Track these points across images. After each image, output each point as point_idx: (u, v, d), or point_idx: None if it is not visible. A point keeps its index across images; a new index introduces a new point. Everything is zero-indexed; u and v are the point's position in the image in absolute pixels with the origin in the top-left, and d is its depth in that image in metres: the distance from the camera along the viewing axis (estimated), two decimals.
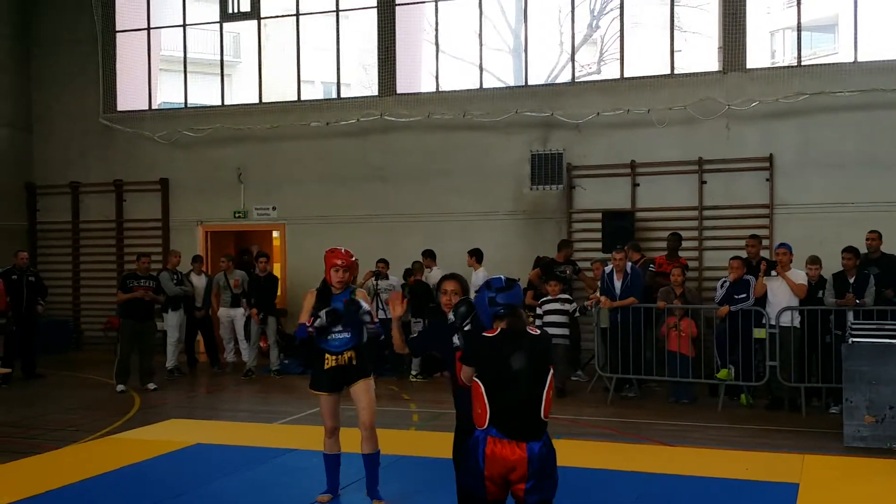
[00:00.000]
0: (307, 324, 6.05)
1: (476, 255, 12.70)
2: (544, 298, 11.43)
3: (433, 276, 12.80)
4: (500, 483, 4.25)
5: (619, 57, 14.03)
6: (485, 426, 4.22)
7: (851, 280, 9.81)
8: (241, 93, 20.53)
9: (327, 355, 6.14)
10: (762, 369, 10.01)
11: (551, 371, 4.32)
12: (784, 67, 14.39)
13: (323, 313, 5.98)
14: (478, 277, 12.40)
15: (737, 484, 6.56)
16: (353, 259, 6.31)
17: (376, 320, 6.41)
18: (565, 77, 17.05)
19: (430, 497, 6.46)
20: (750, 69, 13.01)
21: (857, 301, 9.65)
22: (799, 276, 10.07)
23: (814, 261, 10.24)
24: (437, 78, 14.87)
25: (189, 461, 7.82)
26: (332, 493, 6.42)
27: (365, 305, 6.11)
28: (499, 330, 4.34)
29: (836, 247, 10.25)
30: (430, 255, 13.07)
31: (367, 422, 6.23)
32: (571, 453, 7.84)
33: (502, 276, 4.58)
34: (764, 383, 10.07)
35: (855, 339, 8.51)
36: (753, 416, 9.69)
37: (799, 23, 13.63)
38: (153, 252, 15.55)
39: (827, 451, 7.92)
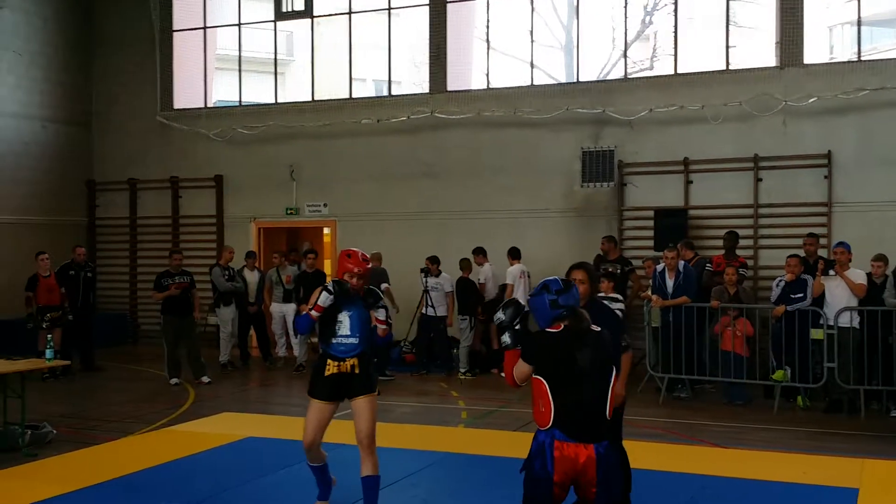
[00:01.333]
0: (308, 312, 5.61)
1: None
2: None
3: (484, 271, 12.80)
4: (566, 488, 4.19)
5: (672, 53, 13.83)
6: (548, 425, 4.17)
7: None
8: (294, 91, 20.70)
9: (329, 361, 5.68)
10: (819, 371, 9.80)
11: (615, 369, 4.29)
12: (843, 63, 14.02)
13: (322, 291, 5.56)
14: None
15: (794, 488, 6.43)
16: (369, 266, 5.88)
17: (388, 322, 5.87)
18: (617, 73, 16.89)
19: (480, 494, 6.44)
20: (808, 64, 12.73)
21: None
22: (858, 275, 9.83)
23: (879, 258, 9.97)
24: (487, 75, 14.83)
25: (241, 454, 7.92)
26: (324, 499, 6.18)
27: (383, 300, 5.81)
28: (562, 327, 4.29)
29: None
30: (480, 251, 13.03)
31: (367, 439, 5.73)
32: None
33: (558, 278, 4.50)
34: (821, 385, 9.86)
35: None
36: (810, 419, 9.49)
37: (859, 17, 13.28)
38: (207, 248, 15.90)
39: (888, 455, 7.72)
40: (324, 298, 5.54)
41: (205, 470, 7.38)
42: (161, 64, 16.57)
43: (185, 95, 16.67)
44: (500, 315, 4.49)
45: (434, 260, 12.90)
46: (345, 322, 5.63)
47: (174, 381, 11.86)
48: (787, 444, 8.22)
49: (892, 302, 9.53)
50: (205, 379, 11.99)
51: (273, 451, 7.94)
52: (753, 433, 8.72)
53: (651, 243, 12.75)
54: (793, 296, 10.01)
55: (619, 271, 11.80)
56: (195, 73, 16.65)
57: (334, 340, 5.64)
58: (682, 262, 10.82)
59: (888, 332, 9.55)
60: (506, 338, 4.42)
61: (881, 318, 9.57)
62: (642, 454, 7.73)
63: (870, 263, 9.97)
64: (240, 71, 16.55)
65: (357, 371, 5.65)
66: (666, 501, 6.37)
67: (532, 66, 14.67)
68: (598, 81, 15.61)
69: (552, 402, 4.15)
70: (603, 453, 4.16)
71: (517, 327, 4.44)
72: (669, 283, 10.67)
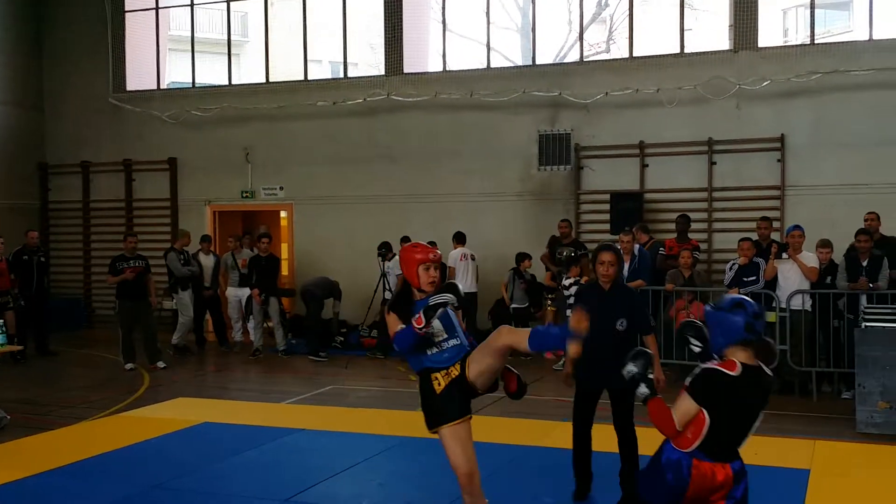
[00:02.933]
0: (411, 325, 4.59)
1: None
2: (564, 282, 11.46)
3: (452, 256, 12.80)
4: (697, 502, 4.07)
5: (628, 36, 13.89)
6: (689, 449, 4.01)
7: (864, 263, 9.70)
8: (249, 72, 20.50)
9: (434, 375, 4.72)
10: None
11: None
12: (797, 46, 14.19)
13: (439, 296, 4.60)
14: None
15: (747, 469, 6.51)
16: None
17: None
18: (574, 56, 16.90)
19: (438, 478, 6.44)
20: (762, 48, 12.86)
21: (871, 285, 9.55)
22: (810, 258, 9.97)
23: (825, 244, 10.12)
24: (444, 57, 14.77)
25: (197, 439, 7.87)
26: None
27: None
28: (739, 368, 3.95)
29: (849, 229, 10.16)
30: (456, 236, 13.01)
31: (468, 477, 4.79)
32: (568, 437, 7.82)
33: (753, 301, 4.11)
34: (774, 367, 9.98)
35: (868, 324, 8.43)
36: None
37: (812, 0, 13.45)
38: (161, 231, 15.69)
39: (839, 437, 7.85)
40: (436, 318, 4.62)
41: (160, 455, 7.32)
42: (113, 45, 16.25)
43: (138, 77, 16.38)
44: (631, 368, 4.22)
45: (388, 245, 12.89)
46: (436, 325, 4.70)
47: (129, 366, 11.71)
48: (818, 431, 8.27)
49: (844, 285, 9.69)
50: (160, 364, 11.85)
51: (229, 436, 7.89)
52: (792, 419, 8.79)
53: (607, 227, 12.83)
54: (746, 279, 10.12)
55: (573, 254, 11.88)
56: (148, 55, 16.37)
57: (430, 352, 4.74)
58: (637, 246, 10.90)
59: (838, 315, 9.71)
60: (643, 389, 4.16)
61: (832, 301, 9.73)
62: (598, 437, 7.80)
63: (815, 249, 10.11)
64: (193, 52, 16.30)
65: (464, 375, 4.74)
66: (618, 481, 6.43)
67: (489, 48, 14.64)
68: (554, 64, 15.66)
69: (703, 434, 3.97)
70: (738, 469, 4.07)
71: (650, 375, 4.22)
72: (625, 266, 10.73)
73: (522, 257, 12.71)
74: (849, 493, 6.25)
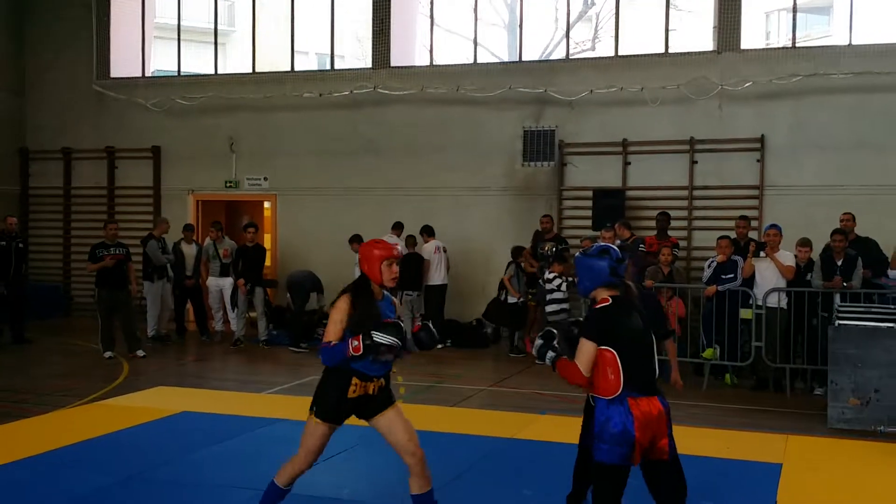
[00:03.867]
0: (347, 345, 4.52)
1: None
2: (547, 276, 11.54)
3: (427, 249, 12.89)
4: (646, 447, 4.35)
5: (613, 34, 13.98)
6: (618, 391, 4.31)
7: (839, 262, 9.84)
8: (235, 62, 20.45)
9: (355, 379, 4.71)
10: (748, 350, 10.07)
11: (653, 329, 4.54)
12: (778, 48, 14.37)
13: (385, 336, 4.52)
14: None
15: (720, 462, 6.62)
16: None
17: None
18: (560, 53, 17.00)
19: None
20: (744, 49, 12.99)
21: (845, 283, 9.70)
22: (787, 257, 10.11)
23: (804, 243, 10.27)
24: (431, 51, 14.81)
25: (175, 429, 7.86)
26: None
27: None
28: (610, 300, 4.44)
29: (826, 229, 10.29)
30: (427, 230, 13.10)
31: (419, 451, 4.93)
32: (557, 429, 7.92)
33: (617, 248, 4.66)
34: (749, 364, 10.14)
35: (841, 322, 8.57)
36: (737, 396, 9.76)
37: (795, 4, 13.59)
38: (143, 220, 15.63)
39: (811, 432, 8.00)
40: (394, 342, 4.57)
41: (139, 444, 7.31)
42: (97, 31, 16.16)
43: (123, 64, 16.31)
44: (538, 342, 4.62)
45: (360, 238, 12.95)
46: (397, 321, 4.71)
47: (108, 354, 11.68)
48: (715, 421, 8.45)
49: (819, 284, 9.83)
50: (139, 353, 11.84)
51: (208, 426, 7.90)
52: (683, 409, 8.90)
53: (589, 223, 12.93)
54: (724, 276, 10.25)
55: (553, 249, 11.97)
56: (133, 42, 16.29)
57: (371, 358, 4.66)
58: (618, 242, 10.99)
59: (813, 314, 9.86)
60: (550, 354, 4.52)
61: (807, 300, 9.87)
62: (577, 429, 7.89)
63: (795, 248, 10.25)
64: (179, 40, 16.25)
65: (379, 391, 4.86)
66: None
67: (475, 43, 14.69)
68: (540, 61, 15.73)
69: (621, 368, 4.30)
70: (667, 405, 4.43)
71: (556, 343, 4.56)
72: None
73: (520, 250, 12.70)
74: (820, 487, 6.37)
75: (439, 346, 12.94)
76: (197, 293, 13.72)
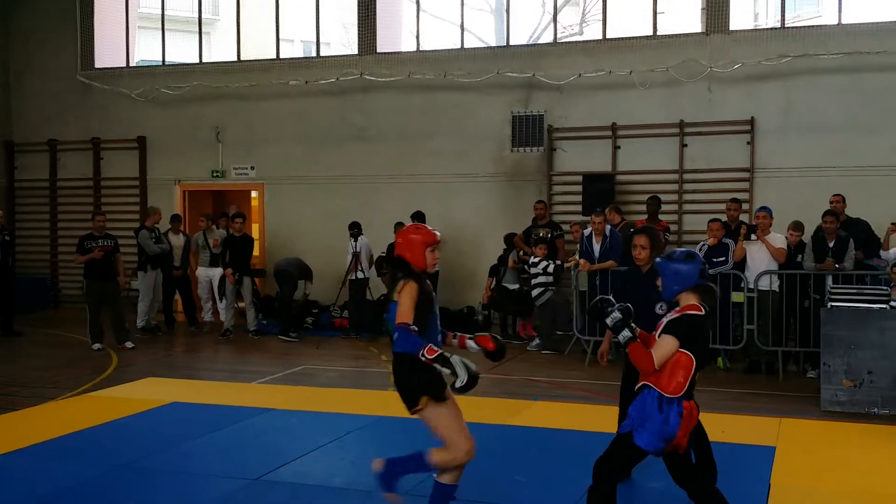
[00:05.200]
0: (422, 347, 4.40)
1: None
2: (532, 260, 11.50)
3: None
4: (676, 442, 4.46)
5: (601, 17, 13.90)
6: (679, 394, 4.41)
7: (831, 244, 9.82)
8: (220, 51, 20.26)
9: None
10: (740, 333, 10.05)
11: None
12: (767, 29, 14.26)
13: (463, 369, 4.37)
14: None
15: (713, 446, 6.58)
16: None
17: None
18: (547, 38, 16.91)
19: None
20: (733, 31, 12.91)
21: (837, 265, 9.68)
22: (778, 239, 10.08)
23: (796, 226, 10.23)
24: (417, 37, 14.69)
25: (165, 419, 7.82)
26: None
27: None
28: (703, 309, 4.51)
29: (817, 211, 10.28)
30: (415, 216, 12.97)
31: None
32: (549, 415, 7.89)
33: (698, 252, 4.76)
34: (741, 347, 10.12)
35: (834, 304, 8.54)
36: (730, 380, 9.73)
37: None
38: (130, 211, 15.53)
39: (804, 415, 7.98)
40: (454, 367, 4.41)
41: (129, 435, 7.27)
42: (81, 22, 16.01)
43: (107, 54, 16.15)
44: (616, 315, 4.61)
45: (358, 225, 12.86)
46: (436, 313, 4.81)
47: (97, 346, 11.60)
48: (708, 404, 8.35)
49: (810, 266, 9.81)
50: (128, 344, 11.76)
51: (198, 416, 7.85)
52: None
53: (579, 208, 12.87)
54: (715, 260, 10.19)
55: (549, 235, 11.92)
56: (117, 32, 16.14)
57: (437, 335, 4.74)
58: (608, 227, 10.95)
59: (805, 296, 9.84)
60: (627, 333, 4.53)
61: (799, 282, 9.84)
62: (569, 415, 7.88)
63: (786, 230, 10.23)
64: (163, 29, 16.11)
65: None
66: (591, 460, 6.48)
67: (462, 28, 14.58)
68: (528, 46, 15.62)
69: (692, 374, 4.41)
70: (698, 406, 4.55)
71: (633, 324, 4.61)
72: (596, 247, 10.79)
73: (514, 236, 12.64)
74: (813, 469, 6.35)
75: None
76: (185, 284, 13.63)
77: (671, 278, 4.60)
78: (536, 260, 11.44)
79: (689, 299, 4.53)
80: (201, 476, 6.14)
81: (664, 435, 4.41)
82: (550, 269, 11.35)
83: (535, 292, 11.41)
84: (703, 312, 4.50)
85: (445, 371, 4.38)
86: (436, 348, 4.42)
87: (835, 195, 10.51)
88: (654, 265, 4.84)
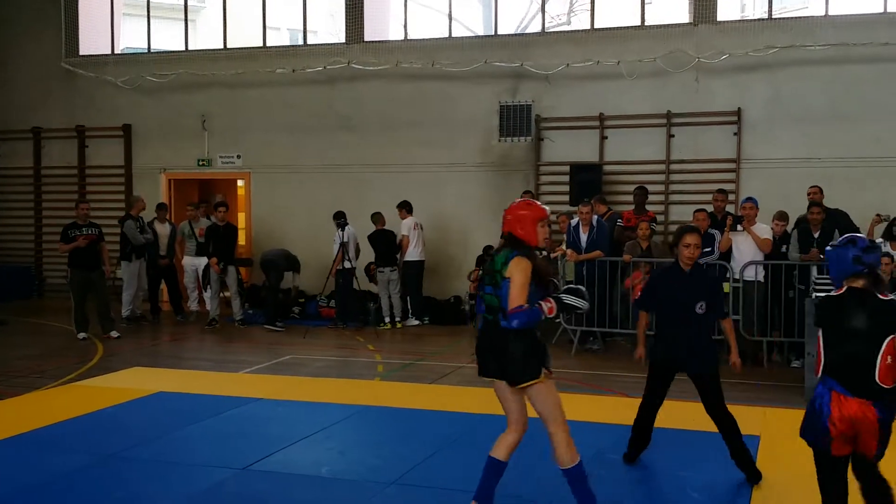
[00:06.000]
0: (541, 308, 4.63)
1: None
2: None
3: (406, 224, 12.78)
4: (848, 439, 4.29)
5: (589, 7, 13.88)
6: (819, 374, 4.34)
7: (816, 235, 9.87)
8: (206, 38, 20.12)
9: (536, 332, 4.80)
10: None
11: (890, 338, 4.22)
12: (754, 20, 14.29)
13: (578, 298, 4.80)
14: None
15: (699, 435, 6.62)
16: None
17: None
18: (535, 27, 16.88)
19: (396, 446, 6.48)
20: (720, 21, 12.93)
21: (822, 256, 9.72)
22: (764, 230, 10.13)
23: (781, 217, 10.29)
24: (405, 26, 14.65)
25: (152, 409, 7.79)
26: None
27: None
28: (846, 289, 4.35)
29: (802, 201, 10.33)
30: (404, 205, 12.95)
31: (566, 423, 4.89)
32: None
33: (864, 236, 4.55)
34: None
35: (819, 294, 8.58)
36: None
37: None
38: (115, 199, 15.45)
39: (788, 404, 8.02)
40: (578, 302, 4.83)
41: (115, 424, 7.25)
42: (66, 8, 15.88)
43: (92, 41, 16.03)
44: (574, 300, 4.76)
45: (344, 215, 12.83)
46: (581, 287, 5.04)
47: (82, 335, 11.55)
48: (693, 394, 8.39)
49: (796, 256, 9.86)
50: (114, 334, 11.71)
51: (185, 406, 7.83)
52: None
53: (567, 198, 12.89)
54: (701, 250, 10.22)
55: None
56: (102, 19, 16.02)
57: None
58: (595, 217, 10.97)
59: (790, 286, 9.90)
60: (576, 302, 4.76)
61: (784, 272, 9.90)
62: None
63: (771, 221, 10.27)
64: (148, 16, 16.00)
65: None
66: (578, 449, 6.51)
67: (450, 17, 14.54)
68: (516, 35, 15.58)
69: (822, 354, 4.32)
70: (884, 414, 4.23)
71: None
72: (583, 237, 10.81)
73: None
74: (797, 458, 6.36)
75: (426, 320, 12.94)
76: (171, 273, 13.58)
77: (832, 264, 4.48)
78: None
79: (850, 284, 4.37)
80: (188, 466, 6.13)
81: (814, 429, 4.33)
82: (550, 256, 11.34)
83: None
84: (839, 293, 4.36)
85: (575, 309, 4.79)
86: (549, 304, 4.65)
87: (812, 187, 10.56)
88: (825, 254, 4.70)
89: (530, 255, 4.68)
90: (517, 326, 4.59)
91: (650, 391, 5.99)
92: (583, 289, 4.90)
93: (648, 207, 12.07)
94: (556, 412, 4.75)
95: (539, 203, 4.87)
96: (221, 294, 13.00)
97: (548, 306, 4.63)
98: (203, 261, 13.11)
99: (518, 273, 4.59)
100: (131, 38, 17.84)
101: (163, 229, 13.44)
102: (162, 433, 6.92)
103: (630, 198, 12.28)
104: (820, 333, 4.38)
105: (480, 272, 12.85)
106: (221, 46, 15.57)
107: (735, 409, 7.61)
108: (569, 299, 4.72)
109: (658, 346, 5.92)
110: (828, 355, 4.31)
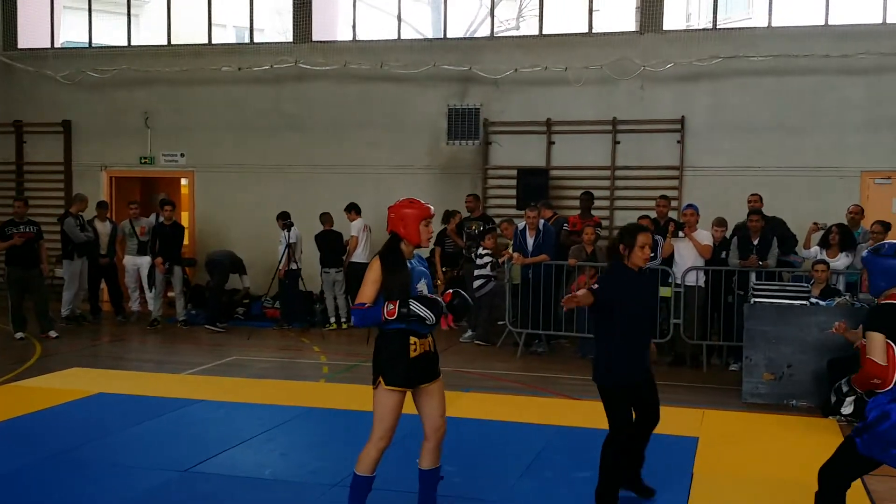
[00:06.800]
0: (380, 309, 4.56)
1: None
2: (479, 252, 11.56)
3: (356, 226, 12.72)
4: None
5: (538, 13, 14.00)
6: (891, 385, 4.10)
7: (755, 242, 10.09)
8: (150, 34, 19.79)
9: (412, 338, 4.64)
10: (666, 327, 10.26)
11: None
12: (699, 30, 14.56)
13: (423, 308, 4.54)
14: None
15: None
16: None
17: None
18: (484, 31, 16.93)
19: (340, 447, 6.45)
20: (666, 30, 13.15)
21: (760, 262, 9.95)
22: (705, 236, 10.31)
23: (720, 223, 10.50)
24: (354, 27, 14.60)
25: (92, 410, 7.67)
26: None
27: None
28: None
29: (742, 208, 10.55)
30: (353, 207, 12.88)
31: (444, 427, 4.89)
32: (480, 406, 7.95)
33: None
34: (667, 340, 10.33)
35: (757, 300, 8.79)
36: (656, 372, 9.83)
37: None
38: (54, 197, 15.11)
39: (726, 406, 8.20)
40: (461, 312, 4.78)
41: (54, 426, 7.11)
42: (3, 0, 15.49)
43: (31, 34, 15.67)
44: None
45: (288, 215, 12.74)
46: (425, 291, 4.74)
47: (19, 335, 11.28)
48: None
49: (736, 262, 10.07)
50: (52, 333, 11.46)
51: (126, 407, 7.71)
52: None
53: (514, 202, 12.97)
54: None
55: (480, 229, 11.98)
56: (41, 11, 15.68)
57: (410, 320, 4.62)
58: (542, 221, 11.06)
59: (729, 292, 10.10)
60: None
61: (724, 278, 10.10)
62: (498, 406, 7.95)
63: (711, 227, 10.47)
64: (90, 10, 15.70)
65: (435, 349, 4.83)
66: (521, 450, 6.57)
67: (399, 19, 14.54)
68: (465, 39, 15.68)
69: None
70: None
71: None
72: (530, 241, 10.89)
73: (453, 213, 12.62)
74: (735, 459, 6.54)
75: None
76: (112, 272, 13.33)
77: (878, 274, 4.31)
78: (483, 252, 11.50)
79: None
80: (130, 468, 6.04)
81: (882, 439, 4.12)
82: (489, 267, 11.39)
83: (476, 283, 11.46)
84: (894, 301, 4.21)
85: (420, 315, 4.52)
86: (392, 306, 4.52)
87: (752, 194, 10.79)
88: (862, 260, 4.52)
89: (393, 257, 4.66)
90: (355, 323, 4.71)
91: (626, 421, 5.25)
92: (440, 300, 4.67)
93: (594, 212, 12.21)
94: (376, 425, 4.69)
95: (423, 202, 4.81)
96: (165, 294, 12.81)
97: (388, 309, 4.54)
98: (144, 260, 12.90)
99: (368, 271, 4.64)
100: (72, 31, 17.49)
101: (103, 228, 13.19)
102: (102, 435, 6.81)
103: (576, 203, 12.40)
104: (887, 342, 4.13)
105: None
106: (165, 43, 15.35)
107: (675, 411, 7.77)
108: (414, 305, 4.52)
109: (618, 365, 5.19)
110: None
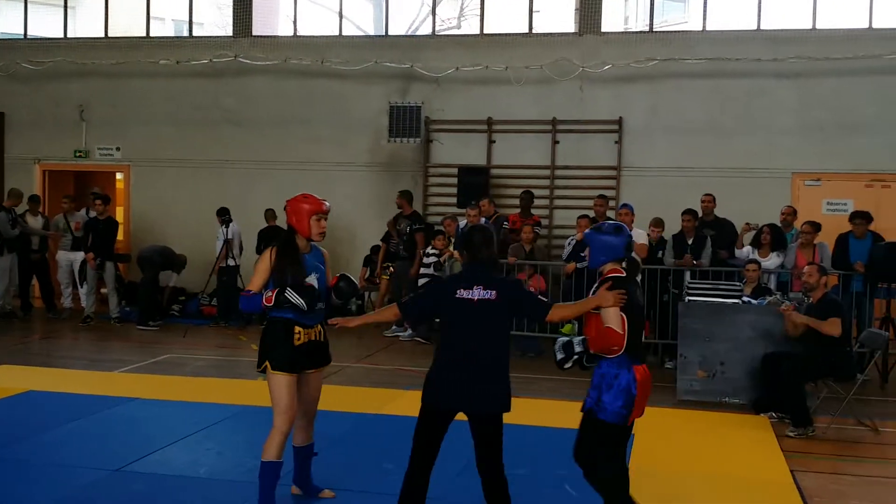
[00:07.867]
0: (262, 296, 4.84)
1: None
2: (429, 251, 11.56)
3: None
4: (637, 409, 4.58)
5: (479, 13, 14.06)
6: (621, 352, 4.50)
7: (690, 241, 10.29)
8: (86, 26, 19.38)
9: (297, 328, 4.93)
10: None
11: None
12: (637, 33, 14.76)
13: (296, 295, 4.78)
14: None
15: (573, 433, 6.81)
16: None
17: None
18: (426, 30, 16.95)
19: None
20: (605, 32, 13.31)
21: (695, 262, 10.15)
22: (640, 235, 10.45)
23: (657, 223, 10.68)
24: (294, 22, 14.50)
25: (22, 408, 7.52)
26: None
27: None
28: (623, 271, 4.65)
29: (678, 209, 10.74)
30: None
31: (313, 413, 5.27)
32: (419, 404, 7.95)
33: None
34: None
35: (691, 298, 8.97)
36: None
37: None
38: None
39: (661, 403, 8.31)
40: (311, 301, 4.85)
41: None
42: None
43: None
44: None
45: (227, 211, 12.61)
46: (314, 285, 4.96)
47: None
48: (569, 393, 8.66)
49: (670, 261, 10.25)
50: None
51: (57, 406, 7.57)
52: (542, 383, 9.15)
53: (454, 200, 13.01)
54: (582, 254, 10.43)
55: (408, 229, 12.01)
56: None
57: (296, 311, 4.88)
58: (483, 220, 11.12)
59: (665, 290, 10.28)
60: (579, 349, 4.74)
61: (659, 277, 10.27)
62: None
63: (648, 227, 10.65)
64: (26, 2, 15.32)
65: (323, 338, 5.11)
66: (458, 447, 6.59)
67: (341, 16, 14.47)
68: (406, 36, 15.66)
69: (626, 336, 4.50)
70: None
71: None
72: None
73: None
74: (669, 454, 6.67)
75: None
76: (44, 268, 13.04)
77: (599, 248, 4.72)
78: (432, 251, 11.51)
79: (612, 267, 4.67)
80: (59, 466, 5.92)
81: (622, 405, 4.55)
82: (440, 259, 11.42)
83: (421, 281, 11.46)
84: (624, 274, 4.64)
85: (292, 302, 4.77)
86: (271, 293, 4.80)
87: (706, 195, 10.98)
88: (585, 236, 4.94)
89: (290, 247, 4.94)
90: (241, 308, 4.99)
91: (421, 441, 5.11)
92: (315, 289, 4.89)
93: (533, 211, 12.31)
94: (274, 409, 4.97)
95: (318, 198, 5.03)
96: (98, 291, 12.56)
97: (267, 296, 4.82)
98: (78, 255, 12.66)
99: (260, 262, 4.97)
100: (7, 23, 17.05)
101: (35, 222, 12.91)
102: (31, 433, 6.66)
103: (516, 201, 12.49)
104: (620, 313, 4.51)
105: (367, 272, 12.92)
106: (102, 35, 15.04)
107: None
108: (289, 293, 4.77)
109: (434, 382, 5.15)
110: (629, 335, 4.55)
